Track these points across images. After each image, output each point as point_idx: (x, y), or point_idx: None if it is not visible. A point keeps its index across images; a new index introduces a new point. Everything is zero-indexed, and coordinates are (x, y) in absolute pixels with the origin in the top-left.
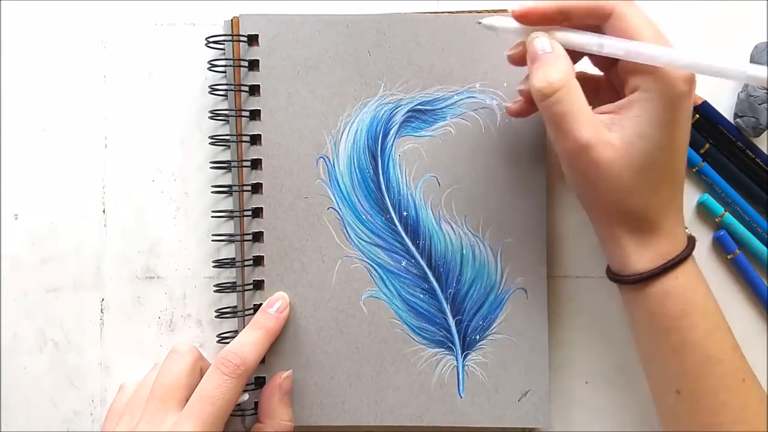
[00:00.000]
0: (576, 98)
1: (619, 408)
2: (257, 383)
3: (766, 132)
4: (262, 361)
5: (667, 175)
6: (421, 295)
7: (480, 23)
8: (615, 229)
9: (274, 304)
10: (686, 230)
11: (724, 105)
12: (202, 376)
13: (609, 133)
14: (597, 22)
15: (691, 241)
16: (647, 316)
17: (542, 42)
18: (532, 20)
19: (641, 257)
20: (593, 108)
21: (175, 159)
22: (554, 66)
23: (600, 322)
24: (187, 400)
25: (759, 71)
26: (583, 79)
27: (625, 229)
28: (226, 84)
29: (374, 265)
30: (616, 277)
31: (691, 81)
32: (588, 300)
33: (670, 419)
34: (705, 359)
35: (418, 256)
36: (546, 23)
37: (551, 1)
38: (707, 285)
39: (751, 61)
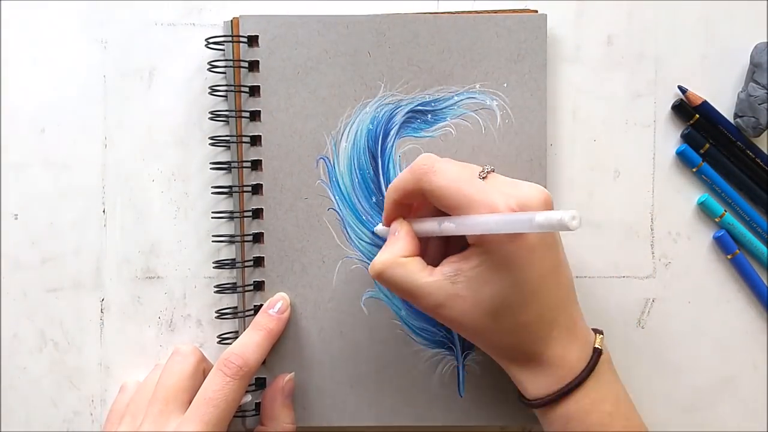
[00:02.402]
0: (402, 273)
1: None
2: (258, 384)
3: (766, 132)
4: (263, 362)
5: (528, 309)
6: None
7: (374, 232)
8: (502, 361)
9: (275, 305)
10: (595, 340)
11: (724, 105)
12: (204, 378)
13: (454, 286)
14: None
15: (593, 360)
16: None
17: (393, 227)
18: (390, 221)
19: (534, 384)
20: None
21: (175, 159)
22: (382, 253)
23: (599, 321)
24: (190, 402)
25: (543, 216)
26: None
27: (508, 362)
28: (226, 85)
29: None
30: (520, 400)
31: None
32: (587, 299)
33: None
34: None
35: None
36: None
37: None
38: (617, 399)
39: (751, 62)
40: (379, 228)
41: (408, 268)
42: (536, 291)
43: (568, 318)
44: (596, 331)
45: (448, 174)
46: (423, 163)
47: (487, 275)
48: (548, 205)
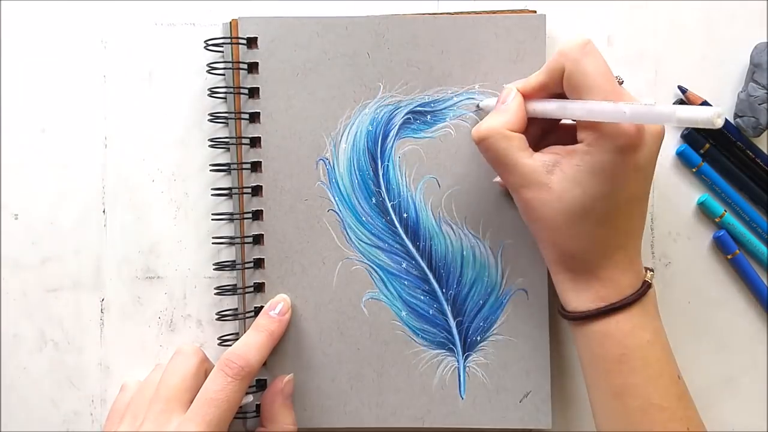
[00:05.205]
0: (505, 146)
1: None
2: (258, 386)
3: (766, 132)
4: (264, 363)
5: (606, 224)
6: (422, 297)
7: (478, 106)
8: (553, 266)
9: (276, 307)
10: (646, 275)
11: (724, 105)
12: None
13: (547, 176)
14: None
15: (642, 289)
16: (589, 355)
17: (504, 93)
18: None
19: (578, 297)
20: (549, 145)
21: (175, 159)
22: (490, 118)
23: None
24: (192, 402)
25: (687, 111)
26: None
27: (562, 268)
28: (226, 87)
29: (375, 267)
30: (559, 310)
31: (634, 138)
32: None
33: None
34: (648, 405)
35: (419, 258)
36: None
37: (529, 79)
38: (657, 331)
39: (751, 62)
40: (486, 102)
41: (512, 143)
42: (621, 210)
43: (633, 247)
44: (647, 269)
45: (597, 63)
46: (577, 43)
47: (583, 177)
48: (662, 135)
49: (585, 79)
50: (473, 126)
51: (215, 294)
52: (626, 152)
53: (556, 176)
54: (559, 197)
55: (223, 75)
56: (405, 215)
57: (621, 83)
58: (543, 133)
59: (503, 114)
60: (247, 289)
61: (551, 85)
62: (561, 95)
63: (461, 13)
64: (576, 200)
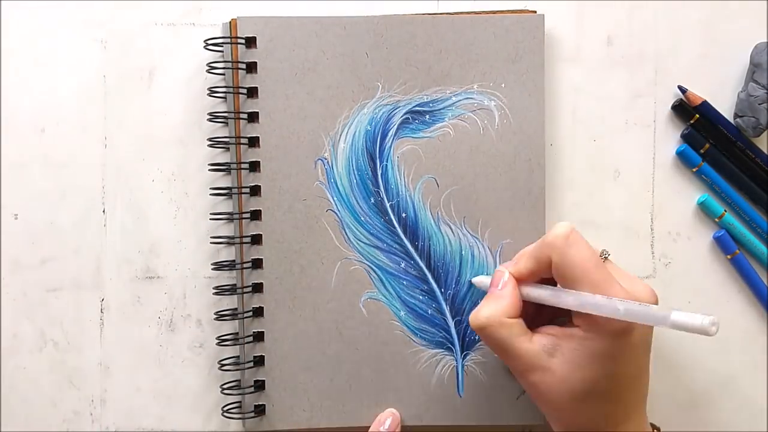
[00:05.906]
0: (505, 335)
1: None
2: (256, 386)
3: (766, 132)
4: (263, 363)
5: (611, 400)
6: (421, 297)
7: (471, 282)
8: None
9: (385, 422)
10: None
11: (724, 105)
12: None
13: (549, 359)
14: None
15: None
16: None
17: (497, 277)
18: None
19: None
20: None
21: (175, 159)
22: (487, 305)
23: None
24: None
25: (682, 317)
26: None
27: None
28: (225, 86)
29: (373, 267)
30: None
31: (627, 323)
32: None
33: None
34: None
35: (418, 258)
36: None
37: (519, 264)
38: None
39: (751, 62)
40: (478, 279)
41: (512, 330)
42: (625, 387)
43: (639, 417)
44: (654, 427)
45: (582, 252)
46: (560, 234)
47: (584, 360)
48: None
49: (572, 270)
50: (472, 125)
51: (214, 294)
52: (622, 336)
53: (557, 359)
54: (563, 379)
55: (223, 75)
56: (404, 215)
57: (606, 258)
58: (538, 307)
59: (498, 301)
60: (245, 289)
61: (541, 272)
62: (552, 279)
63: (460, 13)
64: (579, 382)
